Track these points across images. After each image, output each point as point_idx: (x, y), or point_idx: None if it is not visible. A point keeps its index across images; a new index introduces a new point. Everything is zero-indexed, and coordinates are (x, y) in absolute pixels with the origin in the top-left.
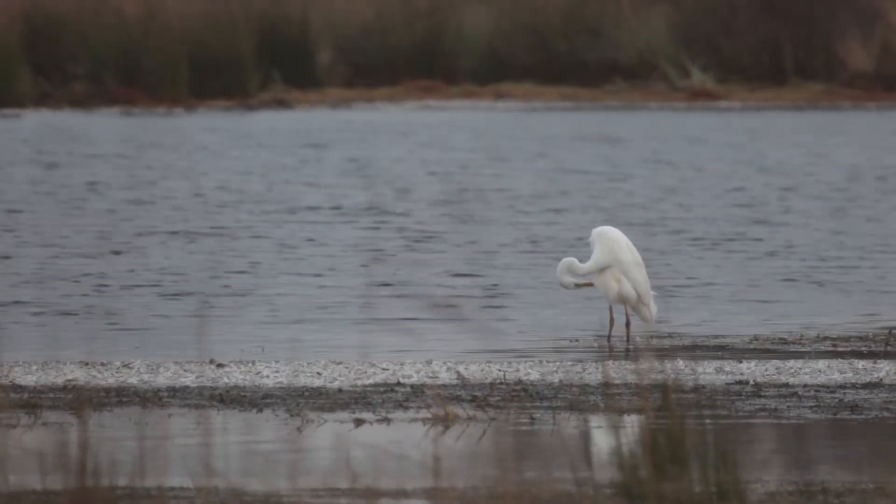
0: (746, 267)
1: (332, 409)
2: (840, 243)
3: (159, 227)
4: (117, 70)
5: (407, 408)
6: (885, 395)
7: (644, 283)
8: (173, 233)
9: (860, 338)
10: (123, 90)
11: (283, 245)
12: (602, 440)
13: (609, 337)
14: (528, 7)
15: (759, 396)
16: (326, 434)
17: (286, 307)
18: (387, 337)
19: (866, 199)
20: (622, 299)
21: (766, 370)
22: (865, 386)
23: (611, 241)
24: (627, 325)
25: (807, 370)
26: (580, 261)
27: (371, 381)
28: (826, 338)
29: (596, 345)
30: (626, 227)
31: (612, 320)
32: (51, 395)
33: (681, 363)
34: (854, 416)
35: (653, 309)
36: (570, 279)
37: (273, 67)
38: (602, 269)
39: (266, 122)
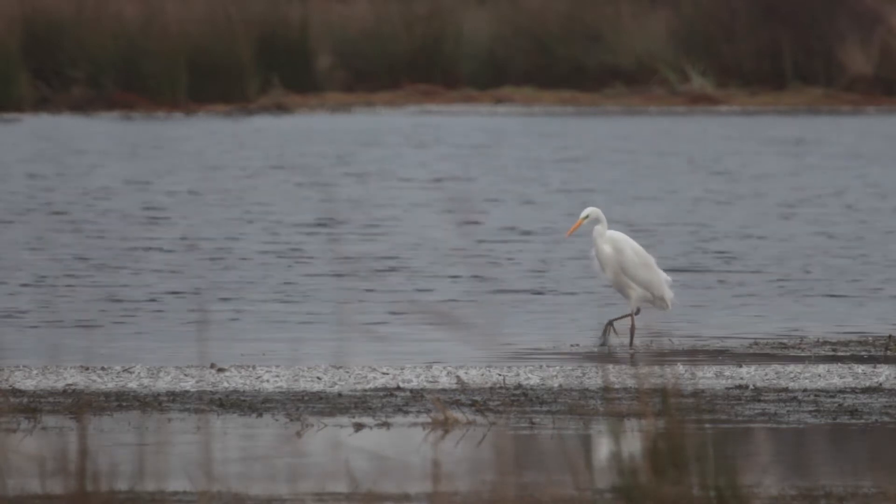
0: (746, 271)
1: (331, 414)
2: (840, 248)
3: (160, 231)
4: (117, 74)
5: (407, 412)
6: (884, 400)
7: (654, 282)
8: (174, 236)
9: (860, 342)
10: (123, 94)
11: (283, 249)
12: (602, 444)
13: (631, 343)
14: (528, 12)
15: (759, 401)
16: (326, 438)
17: (287, 312)
18: (386, 341)
19: (865, 204)
20: (643, 302)
21: (766, 375)
22: (865, 390)
23: (616, 251)
24: (632, 329)
25: (806, 375)
26: (601, 240)
27: (371, 385)
28: (826, 342)
29: (596, 349)
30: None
31: (632, 328)
32: (50, 399)
33: (681, 368)
34: (854, 421)
35: (668, 296)
36: (597, 236)
37: (272, 72)
38: (608, 269)
39: (265, 127)
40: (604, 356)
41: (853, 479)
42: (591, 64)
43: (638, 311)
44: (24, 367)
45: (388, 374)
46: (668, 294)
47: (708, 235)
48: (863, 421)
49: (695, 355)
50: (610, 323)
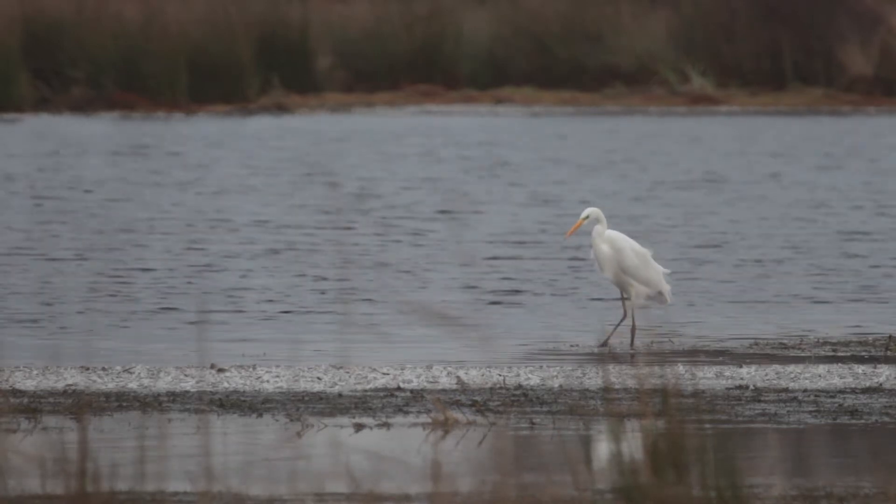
0: (746, 272)
1: (332, 414)
2: (841, 248)
3: (159, 231)
4: (117, 74)
5: (407, 413)
6: (884, 400)
7: (654, 279)
8: (173, 236)
9: (860, 343)
10: (123, 95)
11: (284, 248)
12: (602, 445)
13: (632, 343)
14: (528, 12)
15: (759, 401)
16: (326, 439)
17: (287, 312)
18: (386, 341)
19: (865, 204)
20: (644, 298)
21: (766, 375)
22: (865, 391)
23: (615, 251)
24: (633, 330)
25: (807, 375)
26: (600, 240)
27: (371, 385)
28: (826, 342)
29: (596, 349)
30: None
31: (633, 328)
32: (51, 399)
33: (681, 368)
34: (854, 421)
35: (666, 290)
36: (596, 236)
37: (272, 72)
38: (608, 269)
39: (265, 127)
40: (604, 356)
41: (853, 479)
42: (591, 64)
43: (626, 316)
44: (25, 367)
45: (388, 374)
46: (667, 288)
47: (707, 236)
48: (863, 421)
49: (695, 355)
50: (608, 338)
